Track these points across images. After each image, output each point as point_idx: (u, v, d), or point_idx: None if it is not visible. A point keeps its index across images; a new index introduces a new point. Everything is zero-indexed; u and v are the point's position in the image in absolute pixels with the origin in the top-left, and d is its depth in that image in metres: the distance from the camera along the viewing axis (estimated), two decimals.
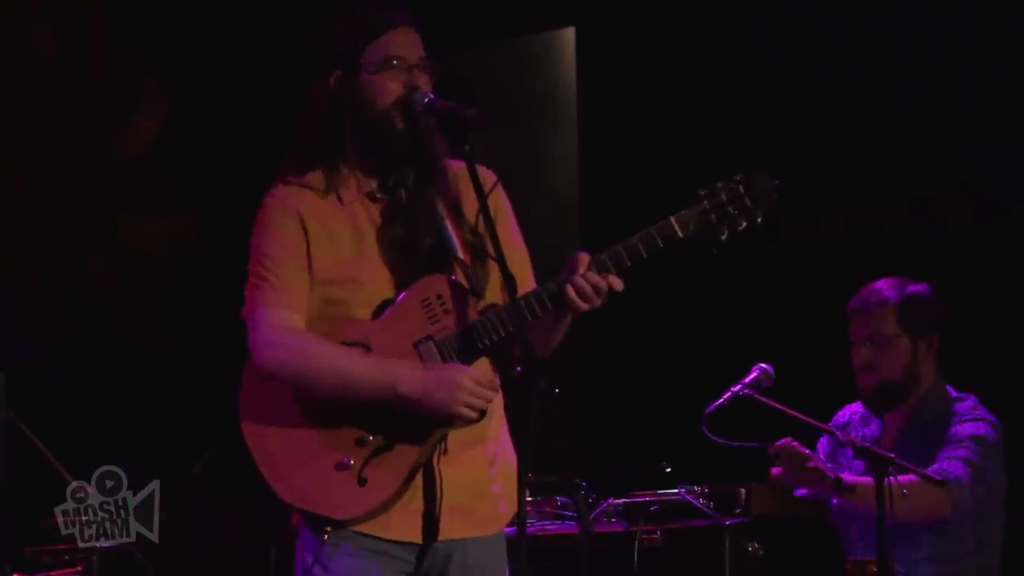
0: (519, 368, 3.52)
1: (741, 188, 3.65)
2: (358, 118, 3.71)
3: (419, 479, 3.64)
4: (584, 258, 3.60)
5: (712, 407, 4.97)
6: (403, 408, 3.59)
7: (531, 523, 4.85)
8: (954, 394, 5.17)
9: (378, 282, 3.68)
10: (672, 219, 3.63)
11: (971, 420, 5.07)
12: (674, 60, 6.63)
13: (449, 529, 3.66)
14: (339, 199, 3.72)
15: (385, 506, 3.62)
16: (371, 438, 3.61)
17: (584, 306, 3.58)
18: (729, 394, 5.03)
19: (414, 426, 3.60)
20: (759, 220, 3.66)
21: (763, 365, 5.12)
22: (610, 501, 4.85)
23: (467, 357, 3.64)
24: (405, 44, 3.71)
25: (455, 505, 3.66)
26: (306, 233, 3.69)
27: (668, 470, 4.92)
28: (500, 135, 6.38)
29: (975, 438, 5.01)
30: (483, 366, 3.65)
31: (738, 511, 4.68)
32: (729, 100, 6.47)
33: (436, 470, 3.66)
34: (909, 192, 6.07)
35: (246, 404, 3.68)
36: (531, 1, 6.99)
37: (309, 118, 3.77)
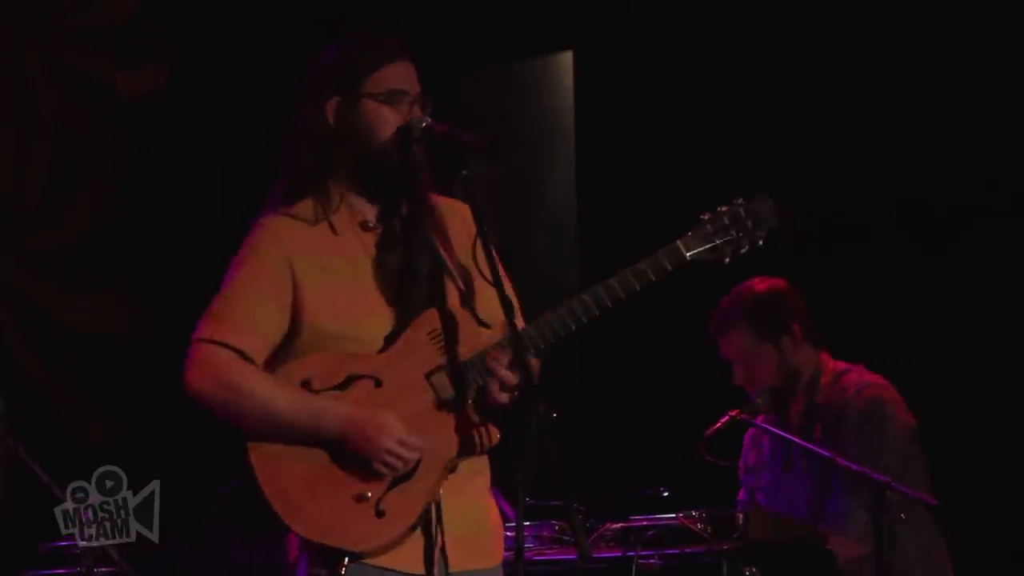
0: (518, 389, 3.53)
1: (742, 211, 3.73)
2: (356, 146, 3.66)
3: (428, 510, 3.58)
4: None
5: (711, 431, 4.99)
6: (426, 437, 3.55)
7: (529, 548, 4.84)
8: (840, 368, 5.21)
9: (377, 313, 3.62)
10: (678, 242, 3.68)
11: (867, 397, 5.10)
12: (671, 83, 6.64)
13: (458, 561, 3.58)
14: (332, 228, 3.66)
15: (401, 537, 3.54)
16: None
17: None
18: (727, 418, 5.05)
19: (429, 455, 3.55)
20: (761, 243, 3.73)
21: None
22: (607, 526, 4.83)
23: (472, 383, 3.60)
24: (406, 77, 3.68)
25: (461, 536, 3.60)
26: (293, 273, 3.60)
27: (665, 495, 4.92)
28: (498, 159, 6.39)
29: (889, 436, 5.05)
30: (399, 424, 3.54)
31: (736, 536, 4.67)
32: (726, 123, 6.47)
33: (438, 502, 3.61)
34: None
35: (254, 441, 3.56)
36: (529, 26, 7.00)
37: (298, 144, 3.70)
